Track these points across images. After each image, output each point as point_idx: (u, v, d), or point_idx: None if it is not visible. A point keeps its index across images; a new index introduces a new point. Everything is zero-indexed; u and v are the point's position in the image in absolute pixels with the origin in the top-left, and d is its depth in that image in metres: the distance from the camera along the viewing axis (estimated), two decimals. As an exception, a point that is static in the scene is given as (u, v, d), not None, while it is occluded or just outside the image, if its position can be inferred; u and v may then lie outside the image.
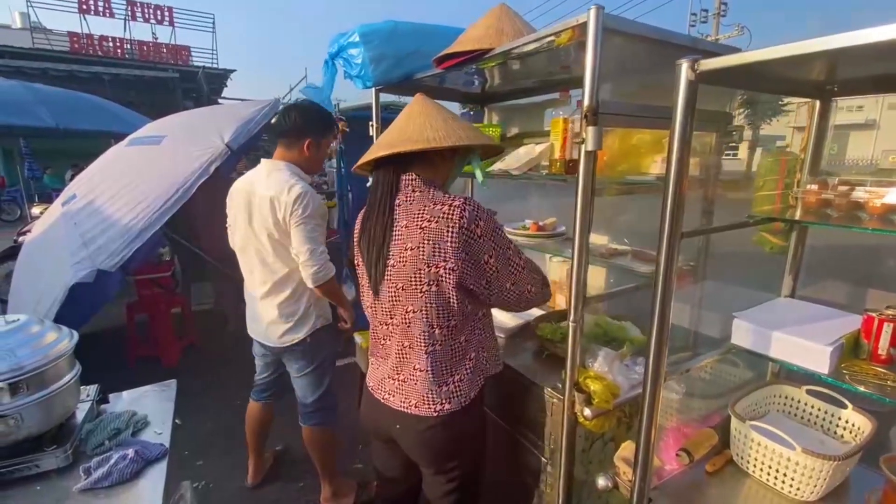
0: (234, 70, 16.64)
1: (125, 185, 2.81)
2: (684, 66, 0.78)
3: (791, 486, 0.99)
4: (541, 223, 2.01)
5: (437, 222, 1.08)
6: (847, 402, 1.11)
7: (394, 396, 1.24)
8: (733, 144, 1.45)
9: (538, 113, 2.28)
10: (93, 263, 2.51)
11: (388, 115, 2.37)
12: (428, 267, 1.09)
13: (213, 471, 2.48)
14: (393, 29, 1.82)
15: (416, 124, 1.17)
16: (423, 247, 1.09)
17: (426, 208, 1.11)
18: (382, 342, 1.27)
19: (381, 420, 1.31)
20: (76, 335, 1.46)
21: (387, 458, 1.43)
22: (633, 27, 1.13)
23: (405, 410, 1.21)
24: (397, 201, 1.16)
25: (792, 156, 1.16)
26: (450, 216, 1.08)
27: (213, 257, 3.94)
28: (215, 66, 16.20)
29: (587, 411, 1.21)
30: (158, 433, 1.52)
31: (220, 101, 16.62)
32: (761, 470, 1.04)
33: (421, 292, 1.12)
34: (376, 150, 1.17)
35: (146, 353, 3.70)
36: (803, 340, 0.94)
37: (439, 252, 1.08)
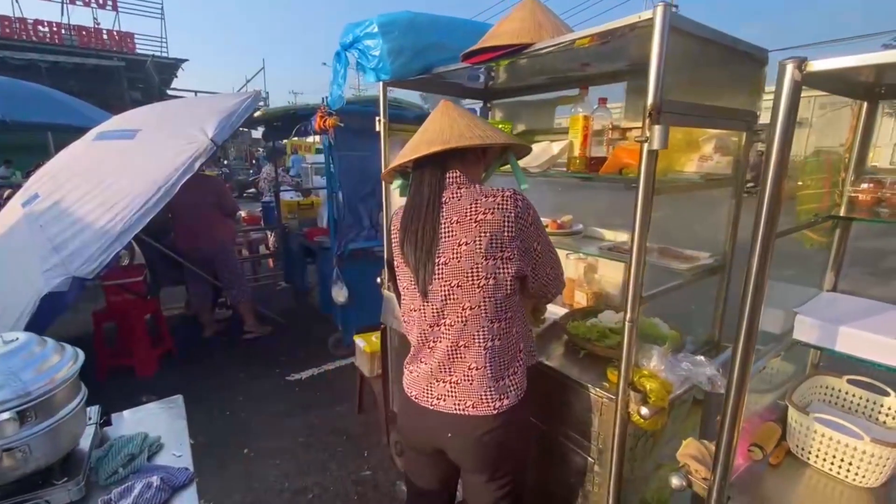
0: (186, 60, 15.73)
1: (98, 184, 2.57)
2: (790, 67, 0.77)
3: (857, 474, 1.02)
4: (559, 221, 2.00)
5: (492, 214, 1.10)
6: (890, 389, 1.17)
7: (445, 400, 1.20)
8: (762, 142, 1.49)
9: (547, 109, 2.27)
10: (67, 270, 2.29)
11: (398, 112, 2.30)
12: (486, 260, 1.10)
13: (211, 487, 2.33)
14: (412, 20, 1.75)
15: (464, 125, 1.17)
16: (480, 240, 1.10)
17: (478, 202, 1.12)
18: (431, 345, 1.22)
19: (428, 430, 1.26)
20: (81, 354, 1.32)
21: (427, 472, 1.38)
22: (697, 28, 1.12)
23: (460, 413, 1.18)
24: (443, 198, 1.15)
25: (837, 155, 1.20)
26: (504, 207, 1.10)
27: (189, 259, 3.71)
28: (165, 55, 15.25)
29: (644, 410, 1.21)
30: (178, 456, 1.41)
31: (170, 92, 15.68)
32: (824, 460, 1.07)
33: (479, 287, 1.12)
34: (423, 149, 1.15)
35: (117, 364, 3.43)
36: (873, 335, 0.97)
37: (497, 243, 1.10)
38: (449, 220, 1.13)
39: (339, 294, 3.37)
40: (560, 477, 1.52)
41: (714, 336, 1.66)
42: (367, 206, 3.58)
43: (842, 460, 1.04)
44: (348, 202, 3.43)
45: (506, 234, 1.09)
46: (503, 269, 1.11)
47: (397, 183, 1.37)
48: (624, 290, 1.98)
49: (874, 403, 1.20)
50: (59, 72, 12.12)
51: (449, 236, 1.12)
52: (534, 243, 1.15)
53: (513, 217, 1.10)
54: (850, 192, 1.12)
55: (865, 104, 1.17)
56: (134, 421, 1.61)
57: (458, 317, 1.15)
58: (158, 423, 1.60)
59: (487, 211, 1.10)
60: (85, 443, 1.29)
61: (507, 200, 1.10)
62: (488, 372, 1.15)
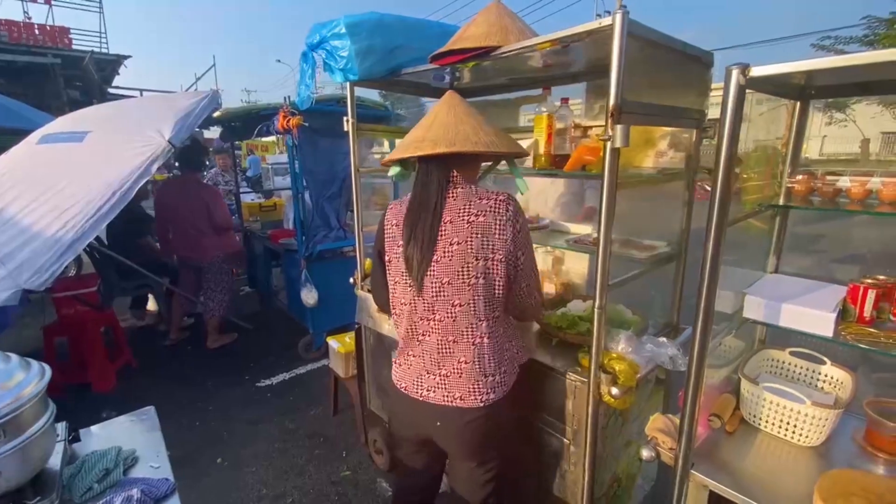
0: (129, 56, 14.86)
1: (45, 190, 2.43)
2: (735, 73, 0.86)
3: (802, 435, 1.15)
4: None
5: (485, 216, 1.14)
6: (825, 358, 1.31)
7: (434, 392, 1.25)
8: (709, 138, 1.61)
9: (512, 109, 2.34)
10: (16, 283, 2.15)
11: (363, 111, 2.30)
12: (476, 260, 1.14)
13: (187, 501, 2.26)
14: (379, 21, 1.76)
15: (470, 125, 1.19)
16: (472, 240, 1.13)
17: (472, 203, 1.16)
18: (420, 338, 1.26)
19: (417, 420, 1.32)
20: (48, 370, 1.28)
21: (416, 460, 1.43)
22: (651, 33, 1.21)
23: (448, 404, 1.23)
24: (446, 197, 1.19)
25: (774, 149, 1.32)
26: (498, 210, 1.15)
27: (180, 266, 3.59)
28: (105, 51, 14.35)
29: (615, 390, 1.30)
30: (156, 467, 1.39)
31: (112, 91, 14.78)
32: (773, 424, 1.19)
33: (469, 286, 1.16)
34: (430, 146, 1.16)
35: (73, 381, 3.25)
36: (810, 310, 1.09)
37: (488, 244, 1.14)
38: (444, 219, 1.17)
39: (309, 296, 3.33)
40: (538, 458, 1.60)
41: (673, 319, 1.79)
42: (333, 206, 3.55)
43: (787, 423, 1.16)
44: (315, 203, 3.40)
45: (497, 236, 1.13)
46: (493, 269, 1.15)
47: (395, 170, 1.39)
48: (590, 279, 2.10)
49: (813, 372, 1.34)
50: (-15, 69, 11.19)
51: (442, 235, 1.16)
52: (519, 252, 1.17)
53: (504, 221, 1.14)
54: (788, 183, 1.25)
55: (799, 104, 1.30)
56: (104, 436, 1.55)
57: (447, 312, 1.20)
58: (131, 436, 1.56)
59: (480, 213, 1.14)
60: (55, 461, 1.25)
61: (500, 204, 1.15)
62: (476, 367, 1.21)
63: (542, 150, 1.88)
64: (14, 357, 1.21)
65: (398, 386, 1.35)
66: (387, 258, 1.30)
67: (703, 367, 1.02)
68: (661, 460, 1.16)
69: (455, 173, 1.20)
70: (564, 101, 1.88)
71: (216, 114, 3.16)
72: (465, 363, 1.21)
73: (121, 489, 1.20)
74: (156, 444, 1.50)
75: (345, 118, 2.15)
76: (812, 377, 1.34)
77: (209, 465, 2.52)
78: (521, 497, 1.67)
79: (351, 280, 2.38)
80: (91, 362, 3.25)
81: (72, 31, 13.23)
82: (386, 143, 3.88)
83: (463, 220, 1.15)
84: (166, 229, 3.76)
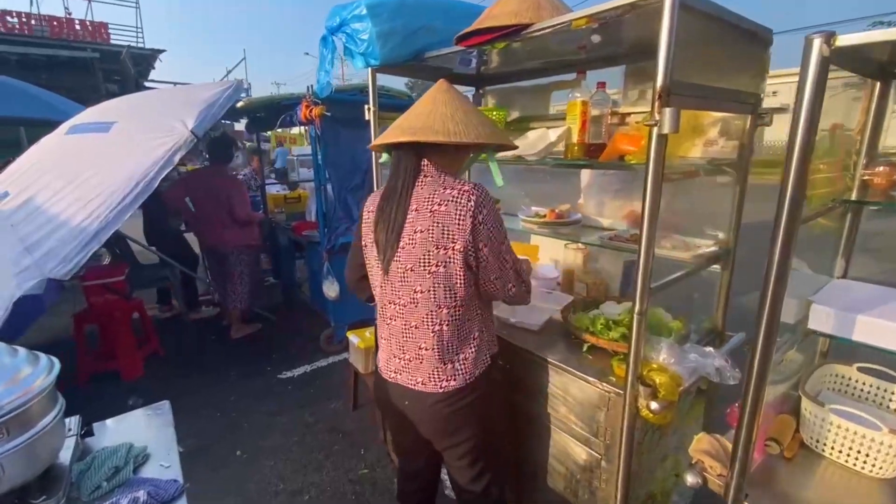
0: (164, 50, 15.26)
1: (72, 180, 2.44)
2: (817, 42, 0.72)
3: (875, 465, 1.00)
4: (557, 210, 1.95)
5: (446, 206, 1.14)
6: (901, 377, 1.14)
7: (401, 375, 1.30)
8: (765, 125, 1.45)
9: (543, 95, 2.20)
10: (41, 272, 2.17)
11: (387, 100, 2.21)
12: (437, 249, 1.15)
13: (203, 491, 2.26)
14: (401, 1, 1.66)
15: (441, 114, 1.18)
16: (433, 229, 1.14)
17: (437, 193, 1.16)
18: (389, 322, 1.30)
19: (392, 399, 1.36)
20: (57, 363, 1.24)
21: (401, 433, 1.49)
22: (706, 5, 1.07)
23: (412, 388, 1.28)
24: (415, 185, 1.20)
25: (847, 137, 1.16)
26: (459, 200, 1.13)
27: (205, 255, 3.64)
28: (141, 45, 14.76)
29: (654, 405, 1.18)
30: (165, 466, 1.34)
31: (147, 84, 15.20)
32: (840, 452, 1.05)
33: (429, 273, 1.17)
34: (398, 134, 1.19)
35: (101, 368, 3.32)
36: (891, 323, 0.94)
37: (448, 234, 1.14)
38: (411, 207, 1.18)
39: (331, 289, 3.29)
40: (565, 473, 1.49)
41: (717, 325, 1.63)
42: (356, 198, 3.48)
43: (859, 452, 1.01)
44: (337, 195, 3.34)
45: (457, 226, 1.12)
46: (454, 259, 1.15)
47: (384, 157, 1.43)
48: (626, 280, 1.95)
49: (884, 391, 1.18)
50: (30, 64, 11.67)
51: (409, 222, 1.18)
52: (481, 244, 1.15)
53: (464, 211, 1.12)
54: (864, 176, 1.09)
55: (879, 84, 1.13)
56: (118, 430, 1.53)
57: (410, 298, 1.22)
58: (144, 431, 1.53)
59: (443, 202, 1.14)
60: (65, 456, 1.22)
61: (462, 195, 1.13)
62: (436, 354, 1.23)
63: (575, 138, 1.75)
64: (21, 350, 1.18)
65: (378, 363, 1.41)
66: (363, 242, 1.34)
67: (763, 385, 0.88)
68: (709, 487, 1.03)
69: (426, 162, 1.20)
70: (601, 85, 1.74)
71: (239, 104, 3.13)
72: (426, 350, 1.23)
73: (128, 489, 1.16)
74: (168, 441, 1.46)
75: (366, 107, 2.06)
76: (882, 397, 1.18)
77: (228, 457, 2.51)
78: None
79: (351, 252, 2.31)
80: (119, 350, 3.31)
81: (110, 26, 13.66)
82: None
83: (427, 208, 1.15)
84: (193, 218, 3.79)
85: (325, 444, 2.59)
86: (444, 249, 1.14)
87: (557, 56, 1.87)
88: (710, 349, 1.27)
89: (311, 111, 2.85)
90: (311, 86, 2.97)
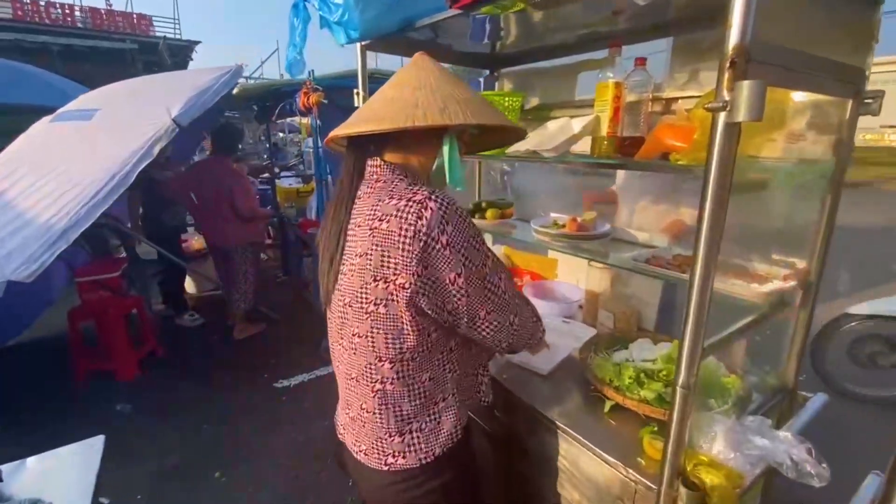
0: (199, 42, 15.50)
1: (46, 173, 2.25)
2: None
3: None
4: (579, 220, 1.57)
5: (387, 222, 0.82)
6: None
7: (347, 434, 1.03)
8: (871, 113, 1.03)
9: (568, 78, 1.82)
10: (2, 273, 1.98)
11: (374, 85, 1.90)
12: (375, 281, 0.84)
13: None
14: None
15: (403, 100, 0.86)
16: (371, 254, 0.83)
17: (380, 204, 0.84)
18: (336, 365, 1.03)
19: (343, 458, 1.08)
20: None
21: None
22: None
23: (355, 455, 1.00)
24: (359, 193, 0.91)
25: None
26: (404, 215, 0.80)
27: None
28: (178, 36, 15.04)
29: (702, 517, 0.81)
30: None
31: (184, 75, 15.50)
32: None
33: (366, 313, 0.87)
34: (343, 126, 0.90)
35: (97, 368, 3.18)
36: None
37: (388, 263, 0.82)
38: (354, 221, 0.89)
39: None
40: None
41: (788, 381, 1.23)
42: (362, 194, 3.20)
43: None
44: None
45: (400, 251, 0.80)
46: (395, 297, 0.83)
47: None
48: (665, 308, 1.57)
49: None
50: (71, 54, 12.01)
51: (350, 242, 0.90)
52: (450, 273, 0.81)
53: (411, 232, 0.79)
54: None
55: None
56: (36, 473, 1.29)
57: (349, 342, 0.93)
58: (63, 477, 1.28)
59: (384, 218, 0.82)
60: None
61: (408, 206, 0.80)
62: (378, 419, 0.93)
63: (605, 130, 1.40)
64: None
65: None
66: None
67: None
68: None
69: (379, 162, 0.89)
70: (640, 62, 1.36)
71: (234, 91, 2.88)
72: (367, 411, 0.94)
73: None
74: (83, 492, 1.21)
75: (354, 91, 1.74)
76: None
77: (206, 479, 2.29)
78: None
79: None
80: (113, 350, 3.16)
81: (149, 17, 13.94)
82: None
83: (367, 225, 0.85)
84: (197, 213, 3.60)
85: (312, 471, 2.33)
86: (384, 282, 0.83)
87: (586, 26, 1.49)
88: (786, 434, 0.89)
89: (309, 98, 2.56)
90: (312, 70, 2.68)
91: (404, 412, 0.92)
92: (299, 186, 4.85)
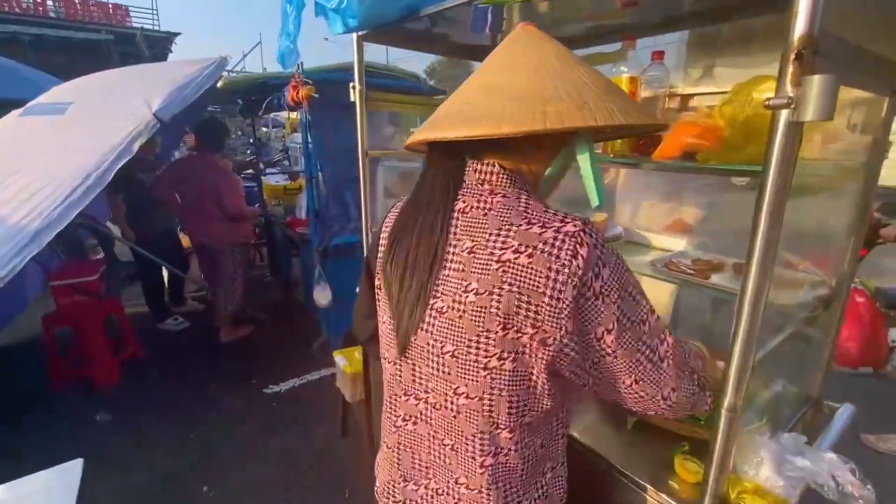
0: (179, 34, 15.05)
1: (15, 170, 2.10)
2: None
3: None
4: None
5: (529, 257, 0.62)
6: None
7: None
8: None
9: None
10: (-31, 279, 1.83)
11: (372, 79, 1.79)
12: (504, 329, 0.64)
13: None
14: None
15: (516, 84, 0.65)
16: (500, 294, 0.63)
17: (512, 228, 0.64)
18: (400, 423, 0.80)
19: None
20: None
21: None
22: None
23: None
24: (459, 205, 0.70)
25: None
26: (555, 252, 0.61)
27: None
28: (156, 28, 14.59)
29: (748, 550, 0.75)
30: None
31: (163, 68, 15.04)
32: None
33: (485, 369, 0.67)
34: (439, 126, 0.68)
35: (74, 376, 3.02)
36: None
37: (527, 309, 0.63)
38: (459, 243, 0.68)
39: (322, 296, 2.91)
40: None
41: (813, 391, 1.18)
42: (354, 192, 3.08)
43: None
44: (332, 189, 2.94)
45: (547, 298, 0.61)
46: (531, 353, 0.64)
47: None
48: (676, 315, 1.51)
49: None
50: (43, 45, 11.53)
51: (455, 271, 0.68)
52: (599, 328, 0.64)
53: (564, 275, 0.60)
54: None
55: None
56: (10, 500, 1.18)
57: (446, 400, 0.72)
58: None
59: (523, 249, 0.62)
60: None
61: (560, 240, 0.61)
62: (485, 498, 0.72)
63: (618, 128, 1.31)
64: None
65: (375, 487, 0.90)
66: (377, 280, 0.82)
67: None
68: None
69: (494, 165, 0.69)
70: (657, 56, 1.29)
71: (219, 84, 2.74)
72: (468, 488, 0.73)
73: None
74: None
75: (350, 85, 1.64)
76: None
77: (193, 493, 2.17)
78: None
79: (357, 289, 1.91)
80: (92, 356, 3.01)
81: (125, 7, 13.48)
82: (419, 121, 3.36)
83: (491, 254, 0.64)
84: (182, 213, 3.45)
85: (306, 481, 2.24)
86: (517, 333, 0.64)
87: (595, 18, 1.42)
88: (832, 455, 0.84)
89: (298, 92, 2.45)
90: (301, 63, 2.56)
91: (514, 488, 0.74)
92: (286, 184, 4.70)
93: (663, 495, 0.89)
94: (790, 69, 0.60)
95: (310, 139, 2.74)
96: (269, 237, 4.34)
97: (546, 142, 0.71)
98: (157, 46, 14.49)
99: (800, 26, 0.58)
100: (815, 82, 0.57)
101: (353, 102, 1.69)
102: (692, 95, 1.37)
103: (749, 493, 0.77)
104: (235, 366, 3.29)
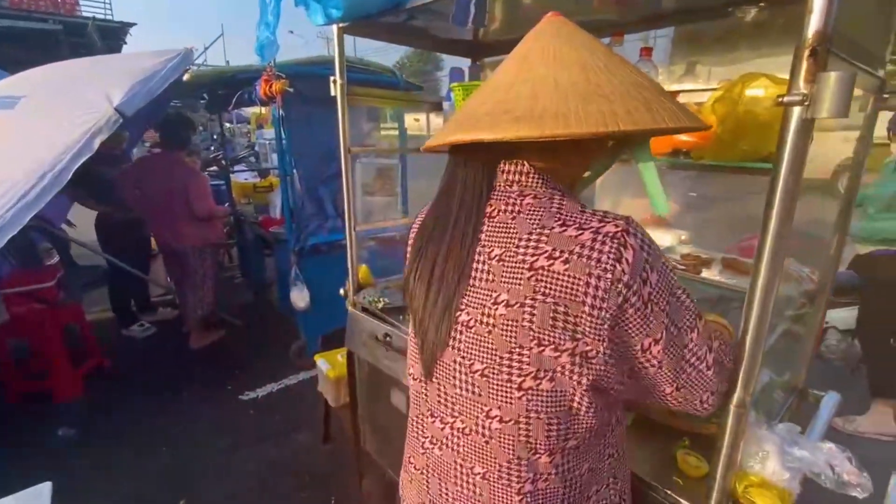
0: (134, 24, 14.30)
1: (-39, 170, 1.92)
2: None
3: None
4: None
5: (565, 263, 0.57)
6: None
7: None
8: (889, 109, 1.02)
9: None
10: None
11: (348, 74, 1.73)
12: (539, 346, 0.59)
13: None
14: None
15: (576, 79, 0.58)
16: (534, 306, 0.58)
17: (546, 232, 0.59)
18: (428, 447, 0.75)
19: None
20: None
21: None
22: None
23: None
24: (488, 209, 0.65)
25: None
26: (595, 256, 0.56)
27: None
28: (110, 17, 13.83)
29: (756, 544, 0.76)
30: None
31: (118, 60, 14.27)
32: None
33: (520, 389, 0.61)
34: (466, 126, 0.62)
35: (32, 389, 2.82)
36: None
37: (566, 322, 0.57)
38: (487, 251, 0.63)
39: (299, 298, 2.83)
40: None
41: (799, 381, 1.22)
42: (330, 190, 3.01)
43: None
44: (307, 187, 2.85)
45: (587, 308, 0.57)
46: (572, 370, 0.59)
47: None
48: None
49: None
50: (-16, 35, 10.73)
51: (483, 281, 0.63)
52: (641, 336, 0.59)
53: (608, 282, 0.56)
54: None
55: None
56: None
57: (476, 424, 0.66)
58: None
59: (558, 254, 0.57)
60: None
61: (600, 242, 0.56)
62: None
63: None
64: None
65: (402, 499, 0.84)
66: (405, 295, 0.78)
67: None
68: None
69: (525, 166, 0.64)
70: (645, 52, 1.29)
71: (185, 77, 2.60)
72: None
73: None
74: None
75: (331, 78, 1.58)
76: None
77: (170, 507, 2.07)
78: None
79: (341, 291, 1.86)
80: (51, 368, 2.81)
81: (74, -5, 12.71)
82: (405, 118, 3.29)
83: (522, 261, 0.60)
84: (147, 214, 3.27)
85: (288, 490, 2.16)
86: (554, 349, 0.59)
87: (581, 13, 1.41)
88: (830, 445, 0.85)
89: (271, 86, 2.35)
90: (275, 57, 2.45)
91: None
92: (256, 181, 4.54)
93: (670, 493, 0.89)
94: (804, 66, 0.59)
95: (283, 136, 2.63)
96: (239, 237, 4.18)
97: (588, 142, 0.65)
98: (110, 37, 13.74)
99: (814, 23, 0.58)
100: (832, 79, 0.57)
101: (333, 97, 1.63)
102: (678, 92, 1.38)
103: (755, 486, 0.78)
104: (208, 373, 3.16)
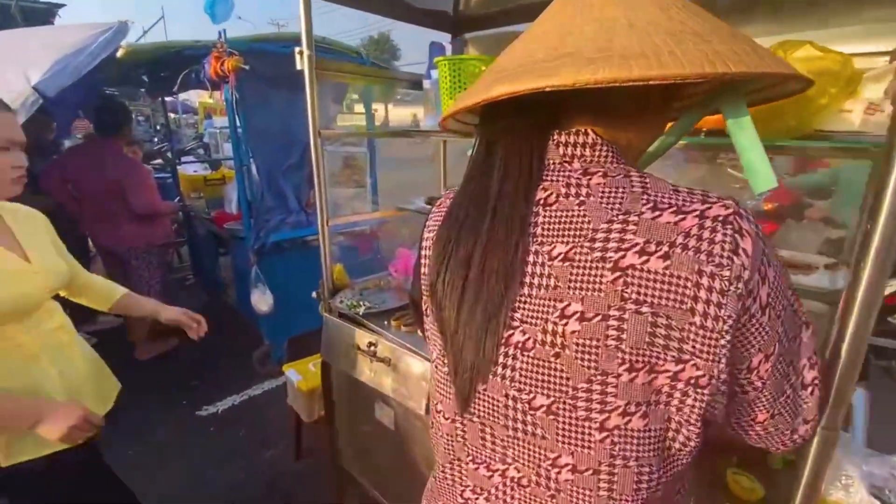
0: (63, 5, 13.02)
1: None
2: None
3: None
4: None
5: (666, 258, 0.43)
6: None
7: None
8: None
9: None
10: None
11: (327, 55, 1.51)
12: (630, 371, 0.44)
13: None
14: None
15: (634, 20, 0.43)
16: (622, 317, 0.44)
17: (632, 219, 0.45)
18: (470, 495, 0.59)
19: None
20: None
21: None
22: None
23: None
24: (542, 194, 0.50)
25: None
26: (709, 247, 0.42)
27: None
28: (32, -3, 12.53)
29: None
30: None
31: (44, 43, 13.01)
32: None
33: (602, 430, 0.47)
34: (514, 76, 0.44)
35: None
36: None
37: (669, 337, 0.43)
38: (546, 248, 0.48)
39: (262, 301, 2.57)
40: None
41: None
42: (292, 181, 2.75)
43: None
44: (267, 178, 2.58)
45: (698, 319, 0.43)
46: (674, 401, 0.46)
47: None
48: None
49: None
50: None
51: (540, 287, 0.48)
52: (755, 351, 0.46)
53: (724, 281, 0.42)
54: None
55: None
56: None
57: (539, 475, 0.52)
58: None
59: (653, 248, 0.43)
60: None
61: (713, 231, 0.42)
62: None
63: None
64: None
65: None
66: (424, 310, 0.62)
67: None
68: None
69: (589, 134, 0.49)
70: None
71: (119, 54, 2.27)
72: None
73: None
74: None
75: (297, 50, 1.36)
76: None
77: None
78: None
79: (314, 294, 1.65)
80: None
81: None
82: (373, 104, 3.06)
83: (600, 259, 0.45)
84: (79, 211, 2.88)
85: (258, 516, 1.95)
86: (651, 373, 0.44)
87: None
88: (893, 457, 0.76)
89: (222, 64, 2.07)
90: (224, 30, 2.17)
91: None
92: (206, 174, 4.17)
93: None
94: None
95: (238, 121, 2.36)
96: (189, 235, 3.82)
97: (654, 103, 0.51)
98: (35, 19, 12.41)
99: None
100: None
101: (295, 76, 1.41)
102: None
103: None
104: (160, 387, 2.84)
